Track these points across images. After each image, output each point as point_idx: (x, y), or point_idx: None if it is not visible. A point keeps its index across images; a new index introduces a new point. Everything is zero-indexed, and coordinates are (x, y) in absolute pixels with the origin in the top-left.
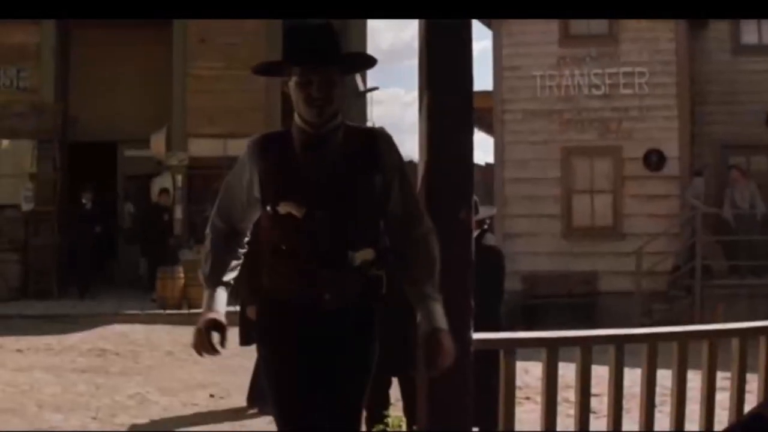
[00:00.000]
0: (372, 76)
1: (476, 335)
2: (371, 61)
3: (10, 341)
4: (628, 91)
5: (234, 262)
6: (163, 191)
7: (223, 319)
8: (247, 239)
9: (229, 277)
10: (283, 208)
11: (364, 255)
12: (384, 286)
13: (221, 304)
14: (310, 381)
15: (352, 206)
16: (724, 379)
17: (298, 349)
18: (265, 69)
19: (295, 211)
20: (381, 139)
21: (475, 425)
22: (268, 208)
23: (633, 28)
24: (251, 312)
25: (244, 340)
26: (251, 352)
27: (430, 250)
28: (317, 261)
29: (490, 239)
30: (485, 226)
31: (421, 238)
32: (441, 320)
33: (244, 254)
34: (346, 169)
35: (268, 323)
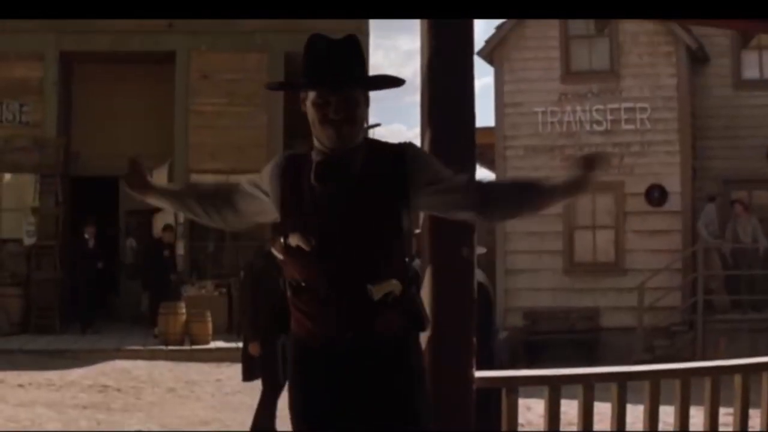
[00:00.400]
0: (374, 112)
1: (478, 373)
2: (396, 82)
3: (12, 376)
4: (630, 127)
5: (195, 206)
6: (167, 228)
7: (147, 179)
8: (221, 220)
9: (186, 193)
10: (292, 240)
11: (386, 287)
12: (420, 318)
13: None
14: (342, 428)
15: (370, 235)
16: (726, 415)
17: (327, 393)
18: (280, 85)
19: (303, 244)
20: (408, 155)
21: None
22: (282, 239)
23: (634, 64)
24: (253, 348)
25: (247, 376)
26: (253, 390)
27: (500, 182)
28: (335, 297)
29: (478, 275)
30: None
31: (486, 183)
32: (562, 185)
33: (249, 295)
34: (365, 195)
35: (296, 366)
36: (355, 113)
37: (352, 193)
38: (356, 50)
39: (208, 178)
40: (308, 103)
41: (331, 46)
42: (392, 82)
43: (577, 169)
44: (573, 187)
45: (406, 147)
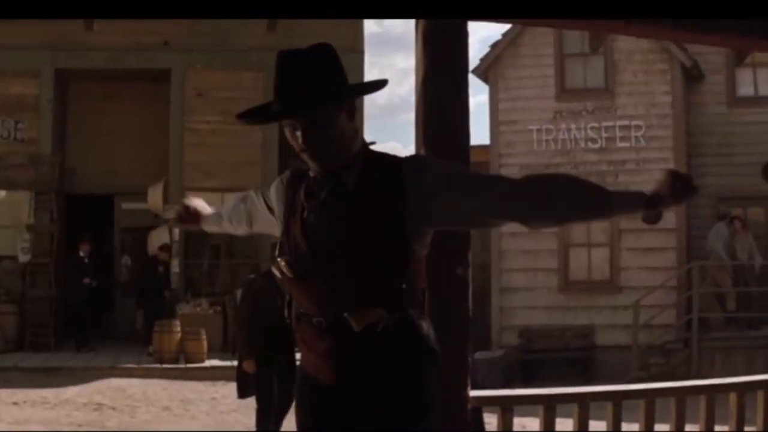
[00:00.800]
0: (369, 130)
1: (473, 392)
2: (374, 86)
3: (7, 394)
4: (625, 145)
5: (228, 227)
6: (164, 247)
7: (200, 217)
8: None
9: (216, 215)
10: (281, 265)
11: (368, 317)
12: (420, 350)
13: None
14: None
15: (355, 260)
16: None
17: (327, 426)
18: (248, 118)
19: (286, 270)
20: (406, 168)
21: None
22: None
23: (629, 82)
24: (247, 366)
25: (242, 393)
26: (248, 408)
27: (546, 183)
28: (324, 326)
29: None
30: None
31: (517, 186)
32: (636, 192)
33: (247, 313)
34: (355, 216)
35: (298, 397)
36: (328, 135)
37: (342, 214)
38: (319, 63)
39: (203, 196)
40: (285, 130)
41: (290, 66)
42: (368, 88)
43: (661, 187)
44: (638, 205)
45: (405, 160)
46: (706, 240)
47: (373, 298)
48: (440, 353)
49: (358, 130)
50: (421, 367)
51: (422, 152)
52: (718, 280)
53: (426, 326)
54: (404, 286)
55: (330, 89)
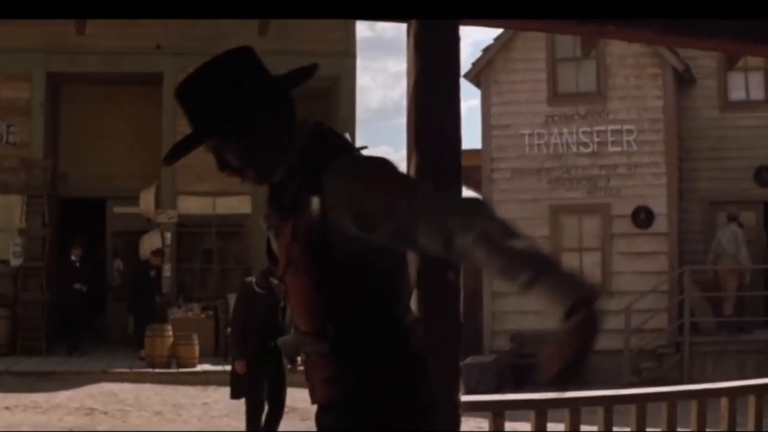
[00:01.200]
0: (361, 134)
1: (465, 397)
2: (299, 76)
3: None
4: (617, 149)
5: None
6: (156, 251)
7: None
8: None
9: None
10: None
11: (296, 345)
12: (359, 395)
13: None
14: None
15: (288, 283)
16: None
17: None
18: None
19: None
20: (326, 180)
21: None
22: None
23: (621, 86)
24: (238, 366)
25: (234, 394)
26: (240, 413)
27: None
28: None
29: None
30: None
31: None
32: (560, 299)
33: (241, 315)
34: (286, 233)
35: None
36: (240, 158)
37: (277, 231)
38: (212, 79)
39: (195, 200)
40: None
41: (184, 89)
42: (293, 80)
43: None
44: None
45: (331, 168)
46: (712, 242)
47: (306, 321)
48: (385, 392)
49: (302, 128)
50: (361, 407)
51: (414, 156)
52: (727, 283)
53: (368, 358)
54: (337, 309)
55: (217, 110)
